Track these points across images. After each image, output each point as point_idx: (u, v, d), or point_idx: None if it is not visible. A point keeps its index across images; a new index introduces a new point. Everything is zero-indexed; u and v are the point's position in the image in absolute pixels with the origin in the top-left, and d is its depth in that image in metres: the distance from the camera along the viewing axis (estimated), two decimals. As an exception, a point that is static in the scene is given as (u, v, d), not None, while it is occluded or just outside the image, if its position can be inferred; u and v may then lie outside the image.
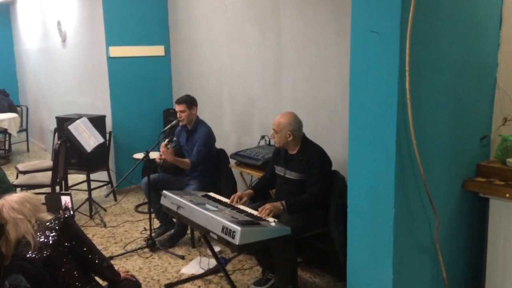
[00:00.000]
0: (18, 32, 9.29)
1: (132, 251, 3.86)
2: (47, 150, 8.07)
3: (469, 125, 2.27)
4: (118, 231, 4.35)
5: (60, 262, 2.05)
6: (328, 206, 3.01)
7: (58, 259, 2.04)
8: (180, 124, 4.00)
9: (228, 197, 3.21)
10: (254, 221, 2.73)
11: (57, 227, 2.08)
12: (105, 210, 4.90)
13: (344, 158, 2.30)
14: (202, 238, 3.50)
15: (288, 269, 2.94)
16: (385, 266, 2.04)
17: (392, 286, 2.03)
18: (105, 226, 4.46)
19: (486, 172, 2.28)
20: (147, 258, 3.75)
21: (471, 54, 2.20)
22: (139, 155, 4.45)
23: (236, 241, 2.45)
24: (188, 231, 4.01)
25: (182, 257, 3.73)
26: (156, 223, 4.14)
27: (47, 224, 2.10)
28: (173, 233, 3.98)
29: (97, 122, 4.98)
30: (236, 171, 4.05)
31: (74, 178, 5.61)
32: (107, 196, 4.28)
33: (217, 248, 3.65)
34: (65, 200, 3.15)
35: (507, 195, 2.09)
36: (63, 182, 4.72)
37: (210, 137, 3.92)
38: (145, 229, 4.27)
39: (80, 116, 4.75)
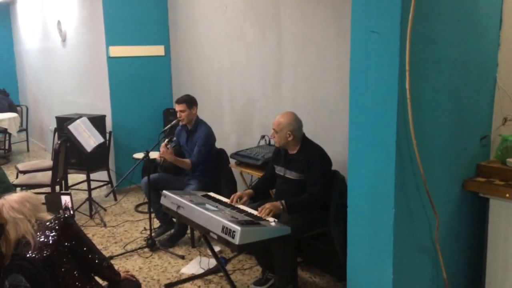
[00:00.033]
0: (18, 32, 9.29)
1: (132, 251, 3.86)
2: (47, 150, 8.07)
3: (469, 125, 2.27)
4: (118, 231, 4.35)
5: (60, 262, 2.05)
6: (328, 206, 3.01)
7: (58, 259, 2.04)
8: (180, 124, 4.00)
9: (228, 197, 3.21)
10: (254, 221, 2.73)
11: (57, 227, 2.08)
12: (105, 210, 4.90)
13: (344, 158, 2.30)
14: (202, 238, 3.51)
15: (288, 269, 2.94)
16: (385, 266, 2.04)
17: (392, 286, 2.03)
18: (105, 225, 4.46)
19: (486, 172, 2.28)
20: (147, 258, 3.75)
21: (471, 54, 2.20)
22: (139, 155, 4.45)
23: (236, 241, 2.45)
24: (188, 231, 4.01)
25: (182, 257, 3.73)
26: (156, 223, 4.14)
27: (47, 224, 2.10)
28: (173, 233, 3.98)
29: (97, 122, 4.98)
30: (236, 171, 4.05)
31: (74, 177, 5.61)
32: (107, 196, 4.28)
33: (217, 248, 3.65)
34: (65, 200, 3.15)
35: (507, 195, 2.09)
36: (63, 181, 4.72)
37: (210, 137, 3.92)
38: (145, 229, 4.27)
39: (80, 116, 4.75)
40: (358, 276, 2.22)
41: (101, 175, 5.32)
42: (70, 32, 6.24)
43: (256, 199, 3.30)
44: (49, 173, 4.50)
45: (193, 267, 3.55)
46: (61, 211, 3.16)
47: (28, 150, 8.33)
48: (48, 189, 4.45)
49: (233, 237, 2.47)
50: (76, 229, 2.19)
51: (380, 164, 2.00)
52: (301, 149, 3.06)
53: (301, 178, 3.03)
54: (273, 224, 2.74)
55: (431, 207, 2.07)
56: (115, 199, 5.22)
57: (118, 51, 5.31)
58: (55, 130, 5.40)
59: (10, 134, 7.55)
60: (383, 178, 1.99)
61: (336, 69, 3.43)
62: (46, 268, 1.98)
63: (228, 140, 4.70)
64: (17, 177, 5.01)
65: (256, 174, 3.71)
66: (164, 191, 3.21)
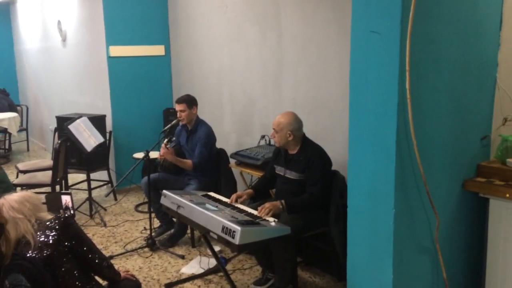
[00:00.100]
0: (18, 31, 9.29)
1: (132, 250, 3.86)
2: (47, 149, 8.07)
3: (469, 125, 2.27)
4: (118, 230, 4.35)
5: (60, 262, 2.05)
6: (328, 206, 3.01)
7: (58, 258, 2.04)
8: (180, 123, 4.00)
9: (228, 197, 3.21)
10: (254, 221, 2.73)
11: (57, 227, 2.08)
12: (105, 209, 4.90)
13: (345, 158, 2.30)
14: (202, 238, 3.51)
15: (288, 269, 2.94)
16: (385, 266, 2.04)
17: (392, 286, 2.03)
18: (105, 225, 4.46)
19: (486, 172, 2.28)
20: (147, 257, 3.75)
21: (471, 54, 2.20)
22: (139, 155, 4.46)
23: (236, 240, 2.45)
24: (188, 231, 4.01)
25: (182, 257, 3.73)
26: (156, 223, 4.14)
27: (47, 223, 2.10)
28: (173, 233, 3.98)
29: (97, 121, 4.99)
30: (236, 170, 4.06)
31: (74, 177, 5.61)
32: (107, 195, 4.27)
33: (217, 248, 3.65)
34: (65, 199, 3.15)
35: (507, 195, 2.09)
36: (63, 181, 4.72)
37: (210, 137, 3.92)
38: (145, 229, 4.28)
39: (80, 116, 4.75)
40: (358, 276, 2.22)
41: (101, 174, 5.32)
42: (70, 32, 6.24)
43: (256, 199, 3.30)
44: (49, 172, 4.50)
45: (193, 267, 3.55)
46: (61, 210, 3.16)
47: (28, 150, 8.34)
48: (48, 189, 4.45)
49: (233, 237, 2.47)
50: (76, 229, 2.19)
51: (380, 164, 2.00)
52: (301, 149, 3.06)
53: (301, 178, 3.03)
54: (273, 224, 2.74)
55: (431, 207, 2.07)
56: (115, 199, 5.22)
57: (118, 51, 5.31)
58: (55, 129, 5.40)
59: (10, 134, 7.55)
60: (383, 178, 1.99)
61: (337, 69, 3.43)
62: (46, 268, 1.98)
63: (228, 140, 4.70)
64: (17, 176, 5.01)
65: (256, 174, 3.71)
66: (164, 191, 3.21)
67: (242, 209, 2.98)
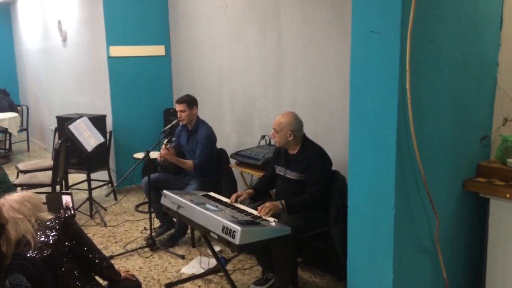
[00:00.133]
0: (19, 31, 9.29)
1: (132, 250, 3.86)
2: (47, 149, 8.07)
3: (469, 125, 2.27)
4: (119, 230, 4.35)
5: (60, 262, 2.05)
6: (328, 206, 3.01)
7: (58, 258, 2.04)
8: (181, 124, 4.00)
9: (228, 197, 3.21)
10: (254, 221, 2.73)
11: (57, 227, 2.08)
12: (105, 209, 4.90)
13: (345, 158, 2.30)
14: (202, 238, 3.51)
15: (288, 269, 2.94)
16: (385, 266, 2.04)
17: (392, 286, 2.03)
18: (105, 225, 4.46)
19: (486, 173, 2.28)
20: (147, 257, 3.75)
21: (472, 54, 2.20)
22: (140, 155, 4.46)
23: (236, 240, 2.45)
24: (188, 231, 4.01)
25: (182, 257, 3.73)
26: (157, 223, 4.14)
27: (48, 223, 2.10)
28: (173, 233, 3.99)
29: (98, 121, 4.99)
30: (236, 171, 4.06)
31: (75, 177, 5.62)
32: (107, 195, 4.28)
33: (217, 248, 3.65)
34: (66, 199, 3.15)
35: (508, 195, 2.09)
36: (63, 181, 4.73)
37: (211, 137, 3.92)
38: (145, 229, 4.28)
39: (80, 116, 4.75)
40: (358, 276, 2.22)
41: (102, 175, 5.33)
42: (71, 32, 6.25)
43: (256, 199, 3.30)
44: (50, 172, 4.50)
45: (193, 267, 3.56)
46: (62, 211, 3.16)
47: (28, 150, 8.34)
48: (48, 189, 4.45)
49: (233, 237, 2.47)
50: (77, 229, 2.20)
51: (380, 164, 2.00)
52: (301, 149, 3.06)
53: (301, 178, 3.03)
54: (273, 224, 2.74)
55: (432, 207, 2.07)
56: (116, 199, 5.22)
57: (119, 51, 5.31)
58: (56, 129, 5.40)
59: (10, 134, 7.56)
60: (383, 178, 1.99)
61: (337, 69, 3.43)
62: (47, 268, 1.98)
63: (228, 140, 4.70)
64: (17, 176, 5.01)
65: (257, 174, 3.71)
66: (165, 191, 3.21)
67: (242, 209, 2.99)
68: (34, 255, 2.00)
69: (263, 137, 4.11)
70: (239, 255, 3.60)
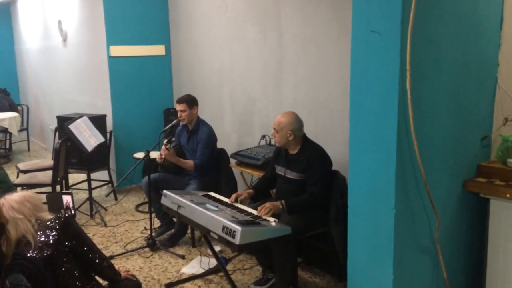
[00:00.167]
0: (19, 31, 9.29)
1: (133, 250, 3.86)
2: (47, 149, 8.07)
3: (469, 125, 2.27)
4: (119, 230, 4.35)
5: (60, 262, 2.05)
6: (329, 206, 3.01)
7: (58, 258, 2.04)
8: (181, 123, 4.00)
9: (229, 197, 3.21)
10: (255, 221, 2.73)
11: (57, 227, 2.08)
12: (105, 209, 4.90)
13: (345, 158, 2.30)
14: (203, 238, 3.50)
15: (288, 269, 2.94)
16: (386, 266, 2.04)
17: (392, 286, 2.03)
18: (105, 225, 4.46)
19: (486, 173, 2.28)
20: (147, 257, 3.75)
21: (472, 54, 2.20)
22: (140, 155, 4.46)
23: (237, 240, 2.45)
24: (189, 231, 4.01)
25: (183, 257, 3.73)
26: (157, 223, 4.14)
27: (48, 223, 2.10)
28: (173, 233, 3.99)
29: (98, 121, 4.99)
30: (236, 171, 4.06)
31: (75, 177, 5.62)
32: (107, 195, 4.28)
33: (217, 248, 3.65)
34: (66, 199, 3.15)
35: (508, 195, 2.09)
36: (63, 181, 4.73)
37: (212, 137, 3.92)
38: (145, 229, 4.28)
39: (80, 116, 4.75)
40: (359, 276, 2.22)
41: (102, 174, 5.33)
42: (71, 32, 6.25)
43: (256, 199, 3.30)
44: (50, 172, 4.50)
45: (193, 267, 3.56)
46: (62, 211, 3.16)
47: (28, 150, 8.34)
48: (48, 189, 4.45)
49: (233, 237, 2.47)
50: (77, 229, 2.20)
51: (380, 164, 2.00)
52: (301, 149, 3.06)
53: (301, 178, 3.03)
54: (273, 224, 2.74)
55: (432, 208, 2.07)
56: (116, 199, 5.22)
57: (119, 50, 5.31)
58: (56, 129, 5.40)
59: (10, 134, 7.56)
60: (383, 178, 1.99)
61: (337, 69, 3.43)
62: (47, 268, 1.98)
63: (228, 140, 4.70)
64: (17, 176, 5.01)
65: (257, 174, 3.71)
66: (165, 191, 3.21)
67: (243, 209, 2.99)
68: (34, 255, 2.00)
69: (263, 137, 4.11)
70: (239, 255, 3.60)
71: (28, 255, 1.98)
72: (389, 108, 1.93)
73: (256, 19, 4.20)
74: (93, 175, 4.98)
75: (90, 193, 4.78)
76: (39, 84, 8.27)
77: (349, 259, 2.25)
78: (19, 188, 4.32)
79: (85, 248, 2.16)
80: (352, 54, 2.08)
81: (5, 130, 7.38)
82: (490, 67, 2.32)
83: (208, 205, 2.93)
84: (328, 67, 3.52)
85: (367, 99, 2.03)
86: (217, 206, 2.94)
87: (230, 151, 4.06)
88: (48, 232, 2.07)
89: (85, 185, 4.99)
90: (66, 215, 2.21)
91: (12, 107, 8.12)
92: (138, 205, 5.02)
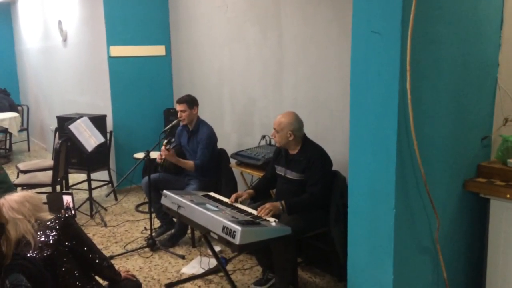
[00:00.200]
0: (19, 31, 9.29)
1: (133, 250, 3.86)
2: (47, 149, 8.07)
3: (469, 125, 2.27)
4: (119, 230, 4.35)
5: (60, 262, 2.05)
6: (329, 206, 3.01)
7: (58, 258, 2.04)
8: (181, 124, 4.00)
9: (229, 197, 3.21)
10: (255, 221, 2.73)
11: (57, 227, 2.08)
12: (105, 209, 4.90)
13: (345, 158, 2.30)
14: (203, 238, 3.50)
15: (288, 269, 2.94)
16: (386, 266, 2.04)
17: (392, 286, 2.03)
18: (105, 225, 4.46)
19: (487, 173, 2.28)
20: (147, 257, 3.75)
21: (472, 54, 2.20)
22: (140, 155, 4.46)
23: (237, 241, 2.45)
24: (189, 231, 4.01)
25: (183, 257, 3.73)
26: (157, 223, 4.14)
27: (48, 223, 2.10)
28: (173, 233, 3.99)
29: (98, 121, 4.99)
30: (236, 171, 4.05)
31: (75, 177, 5.62)
32: (107, 195, 4.28)
33: (217, 248, 3.65)
34: (66, 199, 3.15)
35: (508, 195, 2.09)
36: (63, 181, 4.73)
37: (212, 138, 3.92)
38: (145, 229, 4.28)
39: (81, 116, 4.75)
40: (359, 276, 2.22)
41: (102, 174, 5.33)
42: (71, 32, 6.25)
43: (256, 199, 3.30)
44: (50, 172, 4.50)
45: (193, 267, 3.55)
46: (62, 211, 3.16)
47: (29, 150, 8.34)
48: (48, 189, 4.45)
49: (233, 237, 2.47)
50: (77, 229, 2.19)
51: (380, 164, 2.00)
52: (302, 149, 3.06)
53: (301, 179, 3.03)
54: (273, 224, 2.74)
55: (432, 208, 2.07)
56: (116, 199, 5.22)
57: (119, 51, 5.31)
58: (56, 129, 5.40)
59: (11, 134, 7.56)
60: (383, 178, 1.99)
61: (337, 69, 3.43)
62: (47, 268, 1.98)
63: (228, 140, 4.70)
64: (17, 176, 5.01)
65: (257, 174, 3.71)
66: (165, 191, 3.21)
67: (243, 209, 2.99)
68: (34, 255, 2.00)
69: (263, 137, 4.11)
70: (239, 255, 3.60)
71: (28, 255, 1.98)
72: (389, 108, 1.93)
73: (256, 19, 4.20)
74: (93, 175, 4.98)
75: (90, 193, 4.79)
76: (39, 84, 8.28)
77: (349, 259, 2.25)
78: (19, 188, 4.32)
79: (85, 248, 2.16)
80: (352, 54, 2.08)
81: (5, 130, 7.38)
82: (490, 67, 2.32)
83: (208, 205, 2.93)
84: (328, 67, 3.52)
85: (367, 99, 2.03)
86: (217, 206, 2.94)
87: (230, 151, 4.06)
88: (48, 232, 2.07)
89: (85, 185, 4.99)
90: (66, 215, 2.21)
91: (12, 107, 8.13)
92: (138, 205, 5.02)
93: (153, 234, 3.95)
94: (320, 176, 2.94)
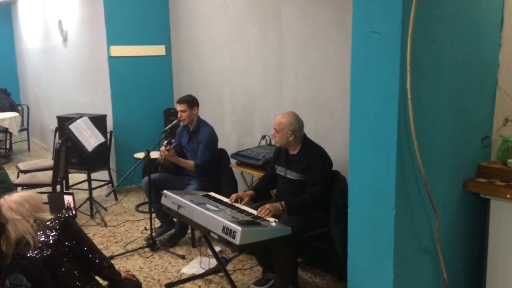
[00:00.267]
0: (19, 31, 9.30)
1: (133, 250, 3.86)
2: (48, 149, 8.07)
3: (470, 125, 2.27)
4: (119, 230, 4.35)
5: (60, 262, 2.05)
6: (329, 206, 3.01)
7: (58, 258, 2.04)
8: (181, 124, 4.00)
9: (229, 197, 3.21)
10: (255, 221, 2.73)
11: (57, 227, 2.08)
12: (105, 209, 4.90)
13: (345, 158, 2.30)
14: (203, 238, 3.50)
15: (288, 269, 2.94)
16: (386, 266, 2.04)
17: (392, 286, 2.03)
18: (105, 225, 4.46)
19: (487, 173, 2.28)
20: (147, 257, 3.75)
21: (472, 55, 2.20)
22: (140, 155, 4.46)
23: (237, 241, 2.45)
24: (189, 231, 4.01)
25: (183, 257, 3.73)
26: (157, 223, 4.14)
27: (48, 223, 2.10)
28: (173, 233, 3.99)
29: (98, 121, 4.99)
30: (236, 171, 4.05)
31: (75, 177, 5.62)
32: (107, 195, 4.28)
33: (217, 248, 3.65)
34: (67, 199, 3.15)
35: (508, 196, 2.09)
36: (64, 181, 4.73)
37: (213, 138, 3.92)
38: (145, 229, 4.28)
39: (81, 116, 4.75)
40: (359, 276, 2.22)
41: (102, 174, 5.33)
42: (71, 32, 6.25)
43: (257, 200, 3.30)
44: (50, 172, 4.50)
45: (193, 267, 3.55)
46: (63, 211, 3.16)
47: (29, 150, 8.34)
48: (49, 189, 4.45)
49: (233, 237, 2.47)
50: (77, 229, 2.19)
51: (381, 164, 2.00)
52: (302, 149, 3.06)
53: (302, 179, 3.03)
54: (273, 224, 2.74)
55: (432, 208, 2.07)
56: (116, 199, 5.22)
57: (119, 50, 5.31)
58: (56, 129, 5.40)
59: (11, 134, 7.56)
60: (384, 178, 1.99)
61: (337, 69, 3.43)
62: (47, 268, 1.98)
63: (229, 140, 4.70)
64: (18, 176, 5.01)
65: (257, 174, 3.71)
66: (165, 191, 3.21)
67: (243, 209, 2.98)
68: (34, 255, 2.00)
69: (263, 137, 4.11)
70: (240, 255, 3.60)
71: (28, 255, 1.98)
72: (389, 108, 1.93)
73: (256, 19, 4.20)
74: (93, 175, 4.99)
75: (90, 193, 4.79)
76: (40, 84, 8.28)
77: (349, 259, 2.25)
78: (19, 188, 4.32)
79: (85, 248, 2.16)
80: (352, 54, 2.08)
81: (5, 130, 7.39)
82: (490, 67, 2.32)
83: (208, 205, 2.93)
84: (328, 67, 3.52)
85: (367, 99, 2.03)
86: (217, 206, 2.94)
87: (230, 151, 4.06)
88: (48, 232, 2.07)
89: (85, 185, 4.99)
90: (66, 215, 2.21)
91: (13, 107, 8.13)
92: (138, 205, 5.02)
93: (153, 234, 3.95)
94: (320, 176, 2.94)
